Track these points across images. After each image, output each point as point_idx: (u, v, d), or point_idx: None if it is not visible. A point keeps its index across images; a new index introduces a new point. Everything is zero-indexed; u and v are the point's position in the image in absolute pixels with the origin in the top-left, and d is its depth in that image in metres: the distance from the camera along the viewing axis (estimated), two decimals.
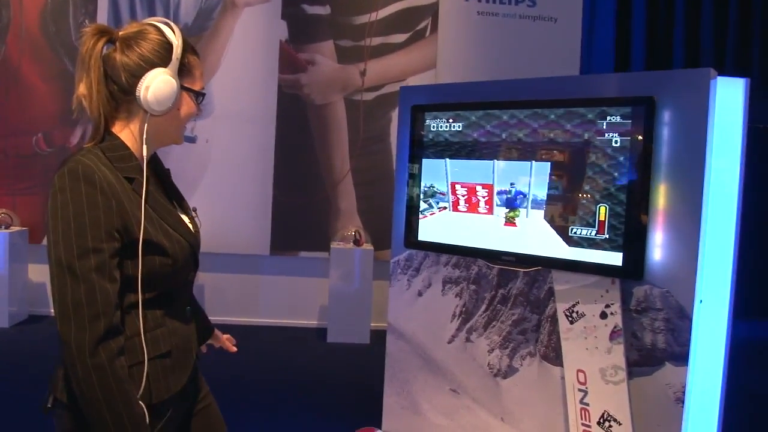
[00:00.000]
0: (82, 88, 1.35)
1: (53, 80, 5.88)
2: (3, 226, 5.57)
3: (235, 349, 1.92)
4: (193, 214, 1.56)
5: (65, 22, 6.01)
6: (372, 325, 5.71)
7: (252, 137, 6.05)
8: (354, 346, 5.55)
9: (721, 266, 2.34)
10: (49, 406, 1.39)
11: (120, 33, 1.39)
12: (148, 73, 1.35)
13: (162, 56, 1.37)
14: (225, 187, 5.99)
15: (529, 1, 6.23)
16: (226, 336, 1.92)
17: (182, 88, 1.41)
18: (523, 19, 6.23)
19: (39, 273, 6.07)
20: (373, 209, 6.02)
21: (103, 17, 6.01)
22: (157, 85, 1.35)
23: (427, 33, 6.08)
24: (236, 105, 6.00)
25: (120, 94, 1.38)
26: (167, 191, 1.54)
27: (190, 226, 1.51)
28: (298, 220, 6.13)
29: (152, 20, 1.41)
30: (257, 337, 5.67)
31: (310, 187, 6.13)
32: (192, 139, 5.87)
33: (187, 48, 1.43)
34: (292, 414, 3.88)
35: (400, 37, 6.06)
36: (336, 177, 6.18)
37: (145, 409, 1.32)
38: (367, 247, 5.87)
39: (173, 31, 1.40)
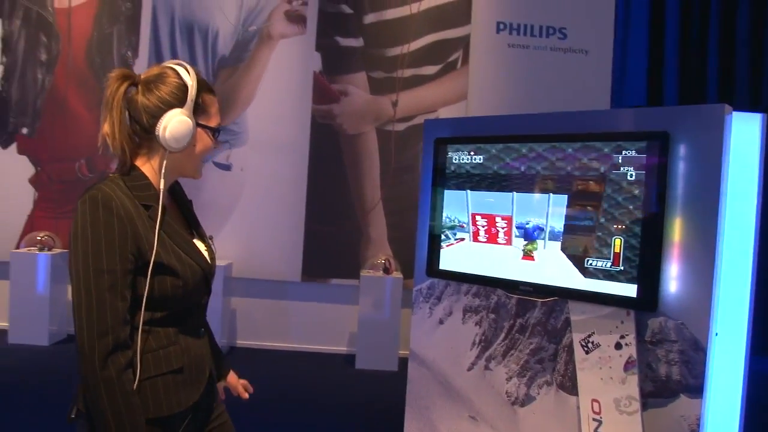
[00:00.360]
0: (106, 127, 1.49)
1: (97, 109, 6.10)
2: (45, 248, 5.77)
3: (246, 395, 1.96)
4: (210, 242, 1.66)
5: (109, 54, 6.26)
6: (400, 352, 5.74)
7: (285, 166, 6.18)
8: (382, 373, 5.59)
9: (738, 299, 2.35)
10: (73, 416, 1.49)
11: (142, 77, 1.51)
12: (166, 114, 1.47)
13: (179, 97, 1.49)
14: (258, 214, 6.12)
15: (560, 33, 6.29)
16: (242, 382, 1.97)
17: (198, 125, 1.52)
18: (554, 52, 6.30)
19: None
20: (404, 238, 6.09)
21: (144, 49, 6.24)
22: (173, 125, 1.47)
23: (459, 65, 6.18)
24: (271, 134, 6.16)
25: (142, 133, 1.50)
26: (187, 219, 1.64)
27: (206, 253, 1.61)
28: (330, 248, 6.22)
29: (171, 63, 1.53)
30: (286, 362, 5.75)
31: (342, 215, 6.23)
32: (227, 167, 6.03)
33: (203, 88, 1.54)
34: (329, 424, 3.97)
35: (431, 69, 6.17)
36: (367, 206, 6.27)
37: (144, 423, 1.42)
38: (397, 275, 5.94)
39: (190, 71, 1.52)
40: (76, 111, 6.11)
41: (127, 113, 1.49)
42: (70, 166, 6.10)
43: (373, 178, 6.23)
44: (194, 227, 1.66)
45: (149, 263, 1.43)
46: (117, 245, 1.39)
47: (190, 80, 1.51)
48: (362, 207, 6.24)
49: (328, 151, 6.22)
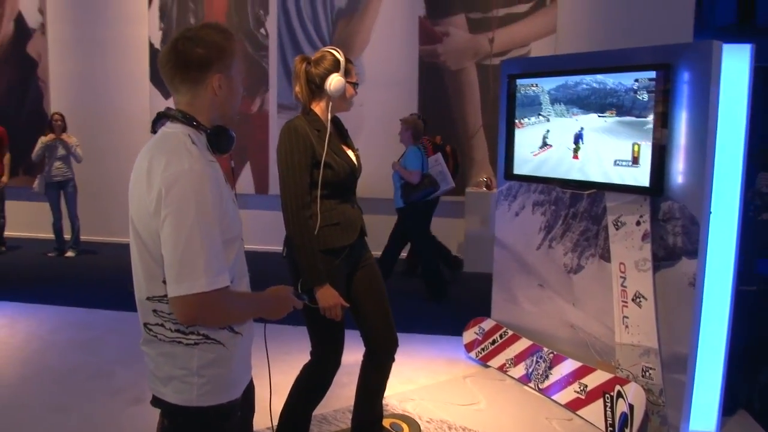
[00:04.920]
0: (297, 89, 2.58)
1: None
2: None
3: None
4: (358, 152, 2.69)
5: (245, 13, 7.38)
6: None
7: (398, 100, 7.14)
8: (484, 275, 6.53)
9: (729, 188, 3.13)
10: (284, 256, 2.58)
11: (312, 58, 2.57)
12: (330, 76, 2.52)
13: (336, 66, 2.54)
14: (377, 143, 7.10)
15: None
16: None
17: (347, 82, 2.56)
18: None
19: None
20: None
21: (273, 7, 7.31)
22: (335, 82, 2.53)
23: (548, 2, 6.85)
24: (384, 73, 7.12)
25: (316, 89, 2.57)
26: (344, 138, 2.70)
27: (353, 158, 2.65)
28: None
29: (328, 48, 2.58)
30: (406, 266, 6.82)
31: (448, 140, 7.11)
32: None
33: (347, 61, 2.57)
34: (436, 310, 5.07)
35: (523, 7, 6.89)
36: (470, 131, 7.16)
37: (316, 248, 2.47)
38: (497, 191, 6.82)
39: (339, 53, 2.56)
40: None
41: (306, 79, 2.55)
42: None
43: (474, 108, 7.10)
44: (346, 143, 2.70)
45: (320, 162, 2.48)
46: (302, 151, 2.46)
47: (341, 57, 2.55)
48: (465, 133, 7.14)
49: (434, 86, 7.12)
